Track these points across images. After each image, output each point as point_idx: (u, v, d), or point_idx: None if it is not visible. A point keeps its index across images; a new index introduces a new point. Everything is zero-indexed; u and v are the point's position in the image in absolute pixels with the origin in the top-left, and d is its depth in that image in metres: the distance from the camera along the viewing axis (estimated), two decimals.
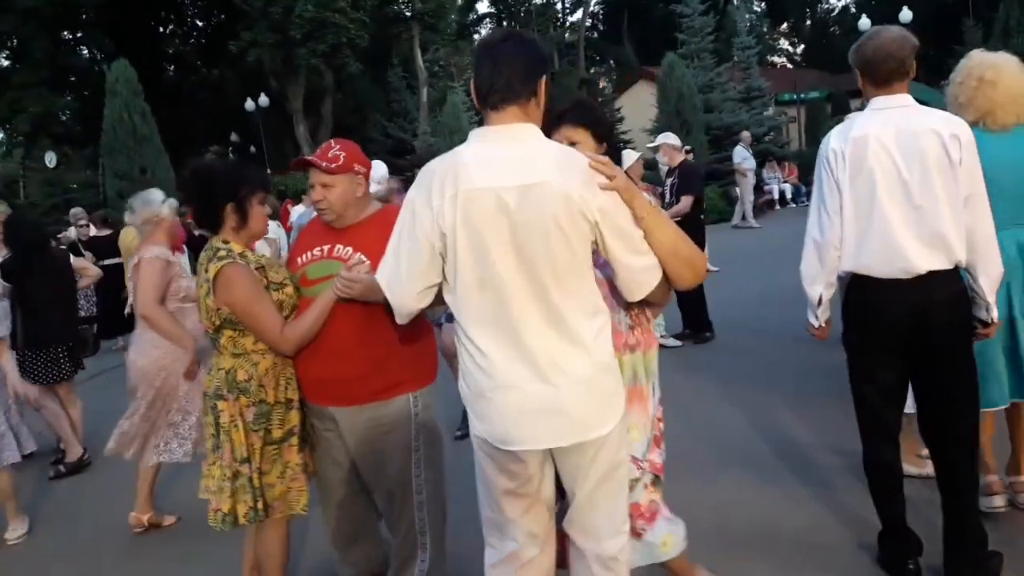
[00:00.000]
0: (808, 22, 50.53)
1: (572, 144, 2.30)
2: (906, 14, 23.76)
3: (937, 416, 2.80)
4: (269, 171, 24.40)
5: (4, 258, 5.07)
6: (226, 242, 2.71)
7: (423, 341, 2.76)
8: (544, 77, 2.12)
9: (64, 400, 5.23)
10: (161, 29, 33.88)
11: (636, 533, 2.39)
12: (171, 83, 31.50)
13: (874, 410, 2.85)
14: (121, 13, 27.90)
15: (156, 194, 4.21)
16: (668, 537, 2.46)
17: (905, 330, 2.71)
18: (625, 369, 2.30)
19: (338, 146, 2.69)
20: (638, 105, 26.37)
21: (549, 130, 2.28)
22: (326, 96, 28.59)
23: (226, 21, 29.45)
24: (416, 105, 28.63)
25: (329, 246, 2.68)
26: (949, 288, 2.70)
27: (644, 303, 2.28)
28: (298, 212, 10.76)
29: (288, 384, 2.72)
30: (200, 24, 34.87)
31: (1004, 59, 3.25)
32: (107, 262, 8.91)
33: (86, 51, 31.14)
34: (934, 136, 2.65)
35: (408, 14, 29.38)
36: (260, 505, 2.66)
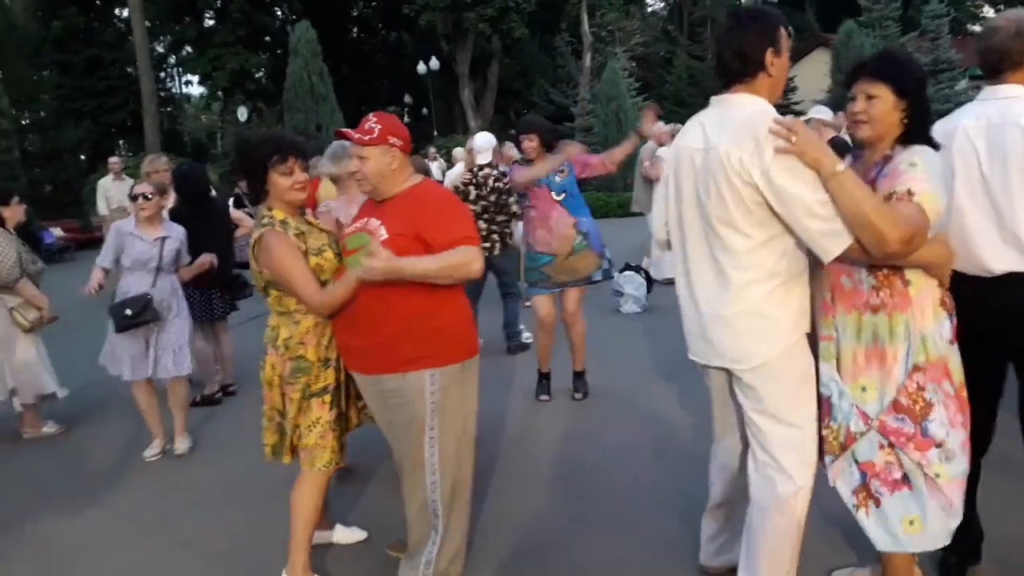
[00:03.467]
0: None
1: (870, 98, 2.32)
2: None
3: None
4: (436, 132, 25.48)
5: (175, 206, 5.77)
6: (270, 209, 2.82)
7: (450, 320, 2.69)
8: (769, 51, 2.31)
9: (218, 338, 5.87)
10: None
11: (873, 498, 2.39)
12: (353, 44, 33.25)
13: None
14: None
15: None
16: (915, 518, 2.34)
17: (990, 328, 2.58)
18: (863, 329, 2.36)
19: (375, 118, 2.71)
20: (814, 74, 25.08)
21: (849, 82, 2.41)
22: (492, 60, 29.21)
23: None
24: (580, 71, 28.65)
25: (367, 219, 2.72)
26: None
27: (897, 266, 2.28)
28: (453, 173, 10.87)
29: (330, 343, 2.84)
30: None
31: None
32: None
33: (279, 12, 33.38)
34: (1018, 130, 2.50)
35: None
36: (287, 444, 2.89)
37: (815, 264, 2.39)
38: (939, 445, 2.28)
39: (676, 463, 4.04)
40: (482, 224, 6.01)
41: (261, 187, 2.83)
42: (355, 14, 36.08)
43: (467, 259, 2.58)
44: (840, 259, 2.26)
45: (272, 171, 2.80)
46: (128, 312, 4.49)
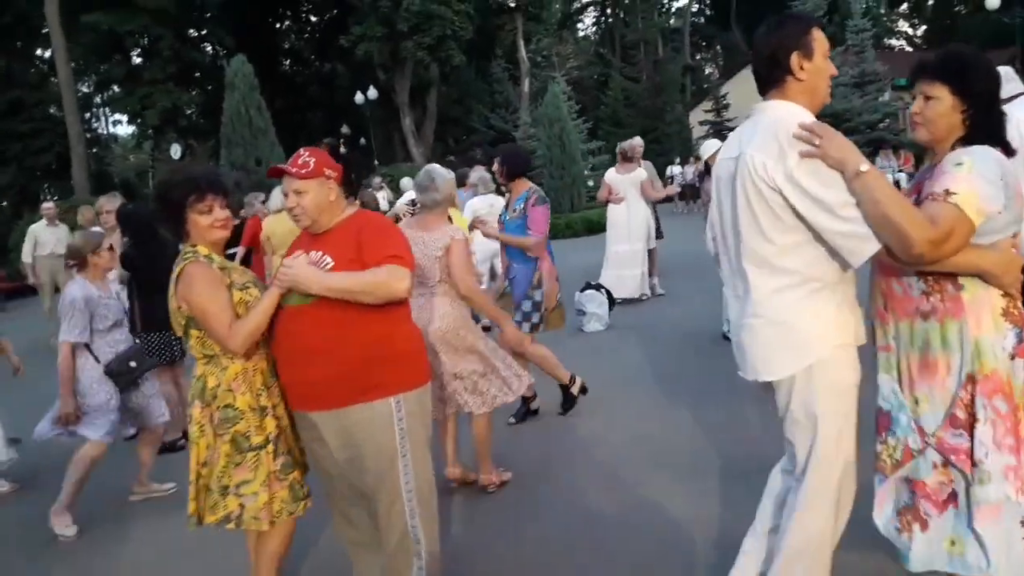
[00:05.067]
0: (930, 2, 47.70)
1: (928, 99, 2.25)
2: None
3: None
4: (376, 162, 25.27)
5: (124, 247, 5.50)
6: (193, 246, 2.74)
7: (407, 344, 2.71)
8: (795, 54, 2.24)
9: (177, 381, 5.57)
10: (278, 25, 35.45)
11: (920, 519, 2.28)
12: (286, 77, 32.95)
13: None
14: (241, 10, 29.35)
15: None
16: (957, 538, 2.22)
17: None
18: (915, 337, 2.26)
19: (307, 153, 2.71)
20: (746, 92, 25.65)
21: (913, 82, 2.33)
22: (431, 88, 29.25)
23: (338, 16, 30.54)
24: (518, 96, 28.89)
25: (304, 251, 2.65)
26: None
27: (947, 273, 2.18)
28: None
29: (264, 390, 2.68)
30: (314, 19, 36.26)
31: None
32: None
33: (209, 47, 32.89)
34: None
35: (511, 5, 29.66)
36: (212, 502, 2.65)
37: (870, 270, 2.29)
38: (977, 464, 2.15)
39: (656, 481, 3.97)
40: None
41: (181, 227, 2.77)
42: (287, 46, 35.81)
43: (392, 277, 2.56)
44: (889, 264, 2.17)
45: (190, 210, 2.72)
46: (133, 364, 4.27)
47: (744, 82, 29.14)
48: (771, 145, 2.18)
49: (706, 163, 6.96)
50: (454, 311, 3.83)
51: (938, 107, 2.22)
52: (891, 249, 2.10)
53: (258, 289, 2.73)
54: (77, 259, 4.33)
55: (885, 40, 42.74)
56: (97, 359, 4.23)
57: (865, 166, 2.08)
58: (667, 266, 10.08)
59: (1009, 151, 2.22)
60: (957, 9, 44.95)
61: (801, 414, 2.29)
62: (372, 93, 25.84)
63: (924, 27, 48.73)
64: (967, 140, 2.22)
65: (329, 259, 2.59)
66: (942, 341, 2.20)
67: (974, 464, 2.15)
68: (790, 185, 2.15)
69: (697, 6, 46.40)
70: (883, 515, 2.36)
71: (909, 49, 44.36)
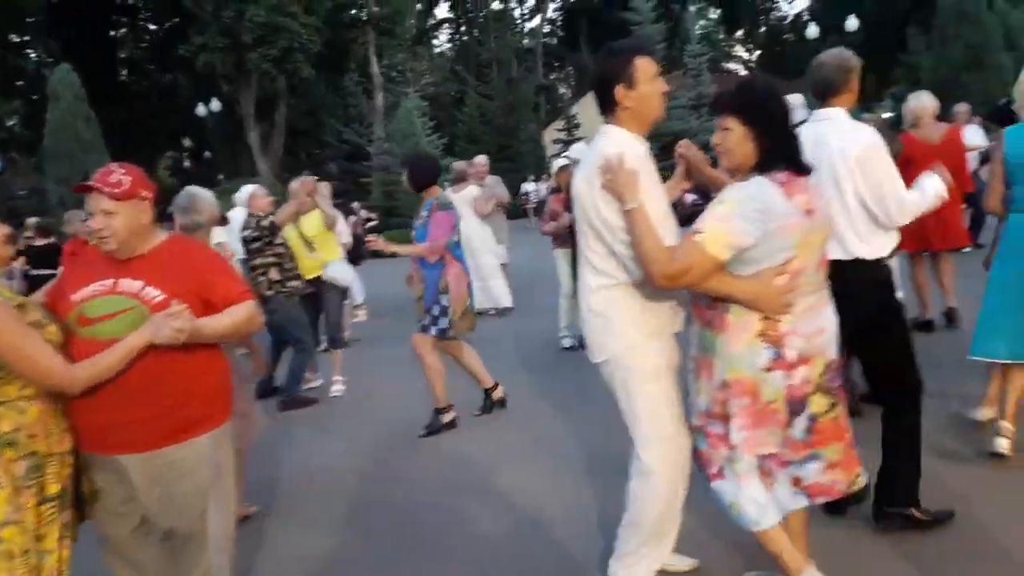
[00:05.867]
0: (762, 29, 51.25)
1: (725, 131, 2.41)
2: (852, 22, 24.27)
3: None
4: (221, 176, 24.21)
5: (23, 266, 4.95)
6: None
7: (222, 377, 2.60)
8: (619, 86, 2.56)
9: None
10: (113, 32, 33.40)
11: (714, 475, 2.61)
12: (122, 87, 31.09)
13: None
14: (71, 16, 27.47)
15: None
16: (732, 503, 2.56)
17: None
18: (701, 339, 2.56)
19: (122, 170, 2.46)
20: (595, 112, 26.46)
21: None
22: (279, 101, 28.41)
23: (179, 25, 29.16)
24: (372, 110, 28.57)
25: (113, 280, 2.42)
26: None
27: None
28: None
29: (65, 434, 2.37)
30: (153, 28, 34.43)
31: None
32: (44, 271, 8.57)
33: (34, 54, 30.60)
34: (829, 148, 3.10)
35: (363, 19, 29.31)
36: None
37: None
38: (733, 447, 2.50)
39: (535, 484, 3.97)
40: (275, 274, 5.99)
41: None
42: (124, 55, 33.79)
43: (252, 313, 2.56)
44: None
45: None
46: None
47: (593, 103, 30.01)
48: (590, 172, 2.58)
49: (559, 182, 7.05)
50: None
51: (732, 137, 2.40)
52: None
53: (55, 325, 2.37)
54: None
55: (724, 64, 45.52)
56: None
57: (631, 204, 2.45)
58: (524, 279, 10.32)
59: (803, 170, 2.40)
60: (786, 37, 48.49)
61: (621, 394, 2.72)
62: (216, 105, 24.81)
63: (758, 52, 52.25)
64: (762, 164, 2.38)
65: (155, 290, 2.39)
66: (713, 349, 2.50)
67: (732, 447, 2.51)
68: (595, 209, 2.58)
69: (549, 27, 47.71)
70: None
71: (744, 72, 47.40)
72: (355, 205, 13.91)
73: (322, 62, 28.50)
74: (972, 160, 8.47)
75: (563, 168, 6.97)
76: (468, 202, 9.06)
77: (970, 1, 19.46)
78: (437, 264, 5.02)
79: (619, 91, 2.55)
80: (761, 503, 2.51)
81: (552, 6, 47.40)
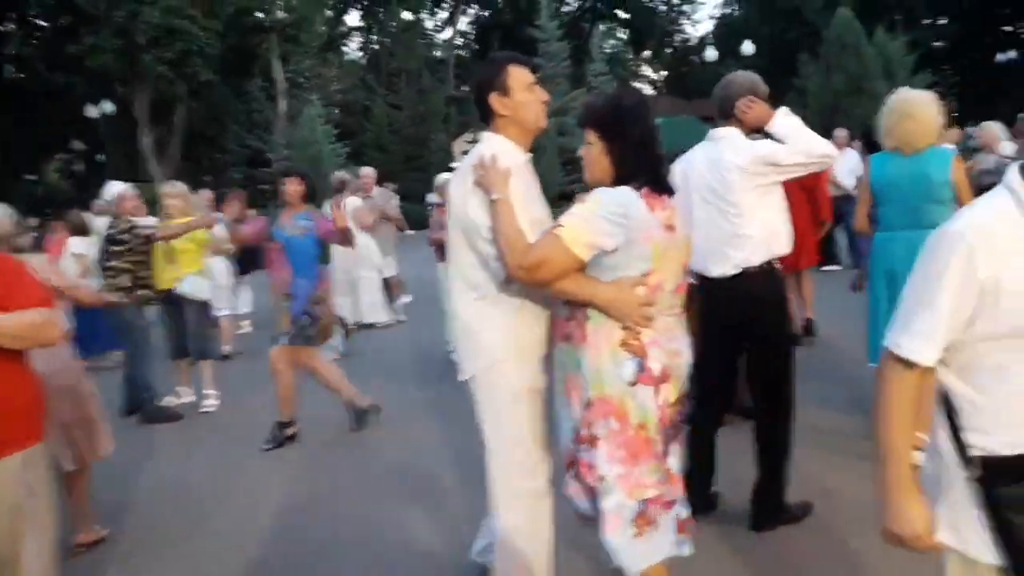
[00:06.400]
0: (668, 50, 52.68)
1: (588, 144, 2.44)
2: (748, 47, 25.31)
3: None
4: (112, 180, 23.20)
5: None
6: None
7: (30, 397, 2.54)
8: (493, 94, 2.58)
9: None
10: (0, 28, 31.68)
11: (589, 490, 2.45)
12: (10, 85, 29.50)
13: None
14: None
15: None
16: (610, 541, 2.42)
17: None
18: (564, 357, 2.46)
19: None
20: None
21: None
22: (177, 105, 27.47)
23: (72, 23, 27.86)
24: (278, 116, 27.98)
25: None
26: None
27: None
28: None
29: None
30: (44, 25, 32.79)
31: (921, 97, 4.07)
32: None
33: None
34: (720, 167, 3.34)
35: (267, 25, 28.70)
36: None
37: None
38: (601, 478, 2.34)
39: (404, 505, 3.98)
40: (126, 280, 5.95)
41: None
42: (13, 52, 32.07)
43: (44, 320, 2.46)
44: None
45: None
46: None
47: None
48: (464, 178, 2.56)
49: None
50: (61, 352, 3.59)
51: (592, 151, 2.41)
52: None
53: None
54: None
55: (631, 83, 46.52)
56: None
57: (497, 196, 2.42)
58: (424, 290, 10.27)
59: (665, 190, 2.38)
60: (691, 58, 50.00)
61: (484, 412, 2.61)
62: (108, 107, 23.81)
63: (665, 72, 53.64)
64: (619, 180, 2.37)
65: None
66: (576, 364, 2.38)
67: (600, 477, 2.35)
68: (464, 210, 2.53)
69: (462, 40, 47.84)
70: (584, 503, 2.52)
71: (652, 92, 48.56)
72: (252, 212, 13.59)
73: (225, 66, 27.72)
74: (846, 183, 9.01)
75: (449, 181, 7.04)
76: (348, 213, 8.99)
77: (851, 33, 20.59)
78: (311, 274, 5.13)
79: (494, 99, 2.57)
80: (637, 550, 2.36)
81: (465, 19, 47.63)
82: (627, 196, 2.30)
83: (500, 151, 2.53)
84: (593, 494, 2.41)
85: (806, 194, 6.36)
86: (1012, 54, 28.91)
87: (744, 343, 3.38)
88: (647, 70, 54.00)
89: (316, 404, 5.55)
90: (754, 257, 3.24)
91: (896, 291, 3.85)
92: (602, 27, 38.79)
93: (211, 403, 6.27)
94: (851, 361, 5.79)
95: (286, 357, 5.10)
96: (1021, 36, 31.54)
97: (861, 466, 3.80)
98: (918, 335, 1.56)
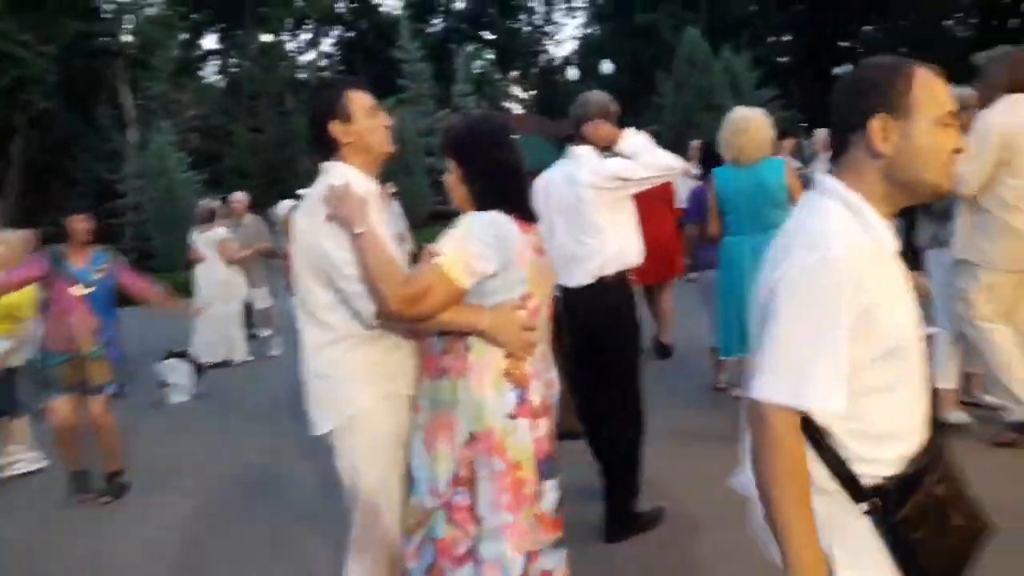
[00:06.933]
0: (535, 70, 53.76)
1: (451, 172, 2.35)
2: (607, 66, 26.10)
3: None
4: None
5: None
6: None
7: None
8: (333, 122, 2.42)
9: None
10: None
11: (438, 573, 2.25)
12: None
13: None
14: None
15: None
16: None
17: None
18: (435, 395, 2.27)
19: None
20: None
21: None
22: (15, 134, 25.60)
23: None
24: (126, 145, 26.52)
25: None
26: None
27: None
28: None
29: None
30: None
31: (753, 114, 4.56)
32: None
33: None
34: (572, 184, 3.50)
35: (112, 50, 27.22)
36: None
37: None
38: (480, 523, 2.19)
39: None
40: None
41: None
42: None
43: None
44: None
45: None
46: None
47: None
48: (314, 210, 2.31)
49: None
50: None
51: (451, 178, 2.37)
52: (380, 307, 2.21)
53: None
54: None
55: (502, 103, 47.10)
56: None
57: (360, 228, 2.20)
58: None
59: (528, 217, 2.32)
60: (557, 78, 51.18)
61: (346, 465, 2.39)
62: None
63: (534, 92, 54.63)
64: (479, 207, 2.29)
65: None
66: (454, 399, 2.23)
67: (477, 522, 2.19)
68: (317, 245, 2.30)
69: (327, 61, 47.08)
70: (415, 570, 2.32)
71: (522, 111, 49.31)
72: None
73: (69, 93, 26.08)
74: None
75: (294, 210, 6.77)
76: (213, 245, 8.53)
77: (700, 51, 21.60)
78: (112, 314, 4.88)
79: (335, 127, 2.41)
80: None
81: (328, 41, 46.92)
82: (497, 218, 2.24)
83: (350, 180, 2.35)
84: (457, 545, 2.22)
85: (667, 206, 6.59)
86: (848, 67, 31.20)
87: (596, 354, 3.46)
88: (516, 90, 54.90)
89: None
90: (608, 268, 3.40)
91: (744, 290, 4.07)
92: (469, 48, 39.07)
93: (27, 463, 5.62)
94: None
95: (105, 403, 4.84)
96: (856, 50, 34.05)
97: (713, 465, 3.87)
98: (824, 382, 1.41)
